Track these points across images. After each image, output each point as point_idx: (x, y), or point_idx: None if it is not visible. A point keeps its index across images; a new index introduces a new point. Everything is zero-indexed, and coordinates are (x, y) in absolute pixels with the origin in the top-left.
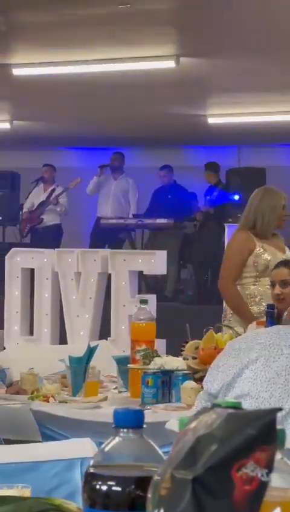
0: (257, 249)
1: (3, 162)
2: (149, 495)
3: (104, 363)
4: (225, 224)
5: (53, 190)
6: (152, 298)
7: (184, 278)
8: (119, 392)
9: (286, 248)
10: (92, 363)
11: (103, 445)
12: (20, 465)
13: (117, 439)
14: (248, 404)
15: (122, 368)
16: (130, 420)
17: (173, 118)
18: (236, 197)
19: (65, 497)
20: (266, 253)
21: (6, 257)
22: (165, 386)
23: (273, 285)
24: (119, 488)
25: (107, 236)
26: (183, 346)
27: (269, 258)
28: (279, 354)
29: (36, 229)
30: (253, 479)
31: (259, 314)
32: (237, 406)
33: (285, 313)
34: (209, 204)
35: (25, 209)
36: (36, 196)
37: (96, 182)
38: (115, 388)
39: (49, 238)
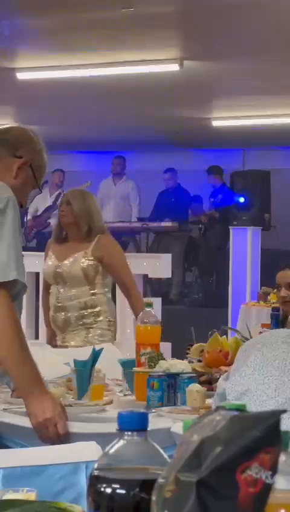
0: (49, 254)
1: None
2: (154, 498)
3: (109, 367)
4: (230, 227)
5: (59, 194)
6: (157, 301)
7: (189, 281)
8: (125, 395)
9: (80, 254)
10: (97, 366)
11: (107, 448)
12: (26, 469)
13: (121, 442)
14: (248, 400)
15: (128, 371)
16: (135, 423)
17: (178, 121)
18: (241, 200)
19: (71, 500)
20: (48, 260)
21: None
22: (170, 389)
23: (278, 287)
24: (123, 491)
25: None
26: (189, 349)
27: (49, 264)
28: (276, 349)
29: (42, 233)
30: (257, 481)
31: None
32: (241, 408)
33: None
34: (214, 207)
35: (29, 214)
36: (41, 200)
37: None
38: (120, 391)
39: None
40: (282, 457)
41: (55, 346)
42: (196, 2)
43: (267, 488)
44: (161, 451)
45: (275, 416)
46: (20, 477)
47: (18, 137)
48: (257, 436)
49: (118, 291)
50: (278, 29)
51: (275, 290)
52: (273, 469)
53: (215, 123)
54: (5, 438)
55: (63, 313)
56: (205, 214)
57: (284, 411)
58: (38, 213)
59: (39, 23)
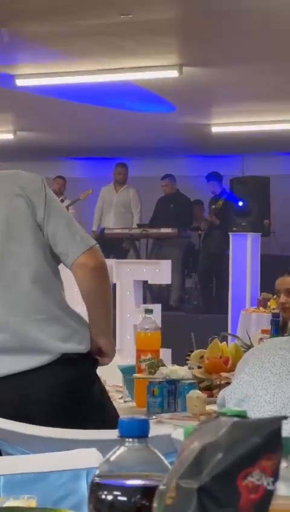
0: None
1: None
2: (155, 504)
3: (109, 373)
4: (230, 233)
5: (61, 201)
6: (157, 308)
7: (189, 287)
8: (125, 401)
9: None
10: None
11: (108, 455)
12: (27, 476)
13: (122, 448)
14: (247, 406)
15: (128, 378)
16: (135, 430)
17: (177, 127)
18: (241, 203)
19: (71, 507)
20: None
21: None
22: (170, 395)
23: (278, 294)
24: (124, 498)
25: (111, 246)
26: (189, 356)
27: None
28: (273, 355)
29: None
30: (259, 488)
31: None
32: (242, 415)
33: None
34: (213, 213)
35: None
36: None
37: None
38: (121, 398)
39: None
40: (283, 464)
41: None
42: (195, 8)
43: (268, 495)
44: (162, 457)
45: (276, 422)
46: (21, 484)
47: None
48: (258, 442)
49: (120, 298)
50: (278, 36)
51: (275, 296)
52: (275, 475)
53: (215, 129)
54: (5, 444)
55: None
56: (205, 219)
57: (285, 417)
58: None
59: (38, 30)
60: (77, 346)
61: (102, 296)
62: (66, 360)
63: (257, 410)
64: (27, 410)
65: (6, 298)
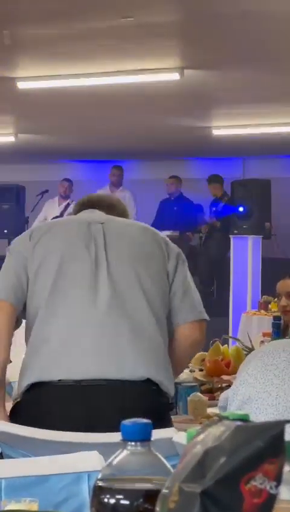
0: None
1: (8, 175)
2: (157, 508)
3: None
4: (231, 236)
5: (68, 205)
6: None
7: None
8: None
9: None
10: None
11: (110, 459)
12: (28, 479)
13: (125, 452)
14: (249, 408)
15: None
16: (138, 433)
17: (178, 130)
18: (241, 209)
19: (73, 510)
20: None
21: None
22: None
23: (279, 296)
24: (127, 502)
25: None
26: None
27: None
28: (276, 357)
29: None
30: (262, 492)
31: None
32: (244, 418)
33: None
34: (214, 216)
35: (37, 221)
36: (51, 210)
37: None
38: None
39: None
40: (286, 468)
41: None
42: (197, 11)
43: (271, 499)
44: (164, 461)
45: (279, 426)
46: (22, 487)
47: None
48: (261, 446)
49: None
50: (278, 38)
51: (276, 299)
52: (278, 479)
53: (216, 132)
54: (7, 447)
55: None
56: (206, 223)
57: (288, 421)
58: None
59: (39, 32)
60: (163, 381)
61: (187, 362)
62: (150, 386)
63: (260, 413)
64: (94, 422)
65: (123, 323)
